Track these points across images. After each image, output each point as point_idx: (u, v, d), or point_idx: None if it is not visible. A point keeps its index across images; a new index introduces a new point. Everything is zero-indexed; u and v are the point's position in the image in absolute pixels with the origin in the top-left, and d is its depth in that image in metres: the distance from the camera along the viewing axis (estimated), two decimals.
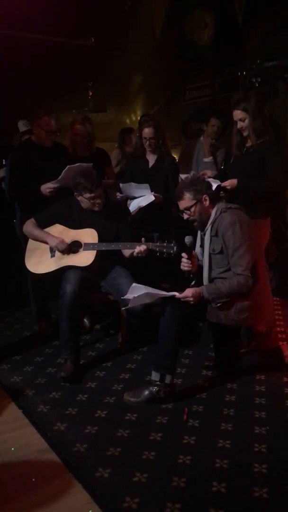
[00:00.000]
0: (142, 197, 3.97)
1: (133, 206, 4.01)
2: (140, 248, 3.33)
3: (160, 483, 2.26)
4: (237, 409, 2.91)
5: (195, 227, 3.18)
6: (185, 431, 2.68)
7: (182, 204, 3.11)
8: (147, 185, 3.92)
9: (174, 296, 2.98)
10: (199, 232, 3.29)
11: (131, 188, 4.00)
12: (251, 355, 3.45)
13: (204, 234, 3.14)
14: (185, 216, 3.14)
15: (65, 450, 2.51)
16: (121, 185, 4.04)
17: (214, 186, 3.41)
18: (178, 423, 2.76)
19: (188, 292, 2.95)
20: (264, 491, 2.20)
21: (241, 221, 3.02)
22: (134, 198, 4.03)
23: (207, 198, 3.08)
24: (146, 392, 2.95)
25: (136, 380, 3.25)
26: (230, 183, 3.48)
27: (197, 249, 3.31)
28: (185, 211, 3.11)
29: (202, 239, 3.19)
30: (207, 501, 2.16)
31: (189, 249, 3.13)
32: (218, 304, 2.99)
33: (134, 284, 3.13)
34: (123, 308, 3.19)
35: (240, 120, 3.48)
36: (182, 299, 2.95)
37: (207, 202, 3.09)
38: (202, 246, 3.19)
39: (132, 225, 4.11)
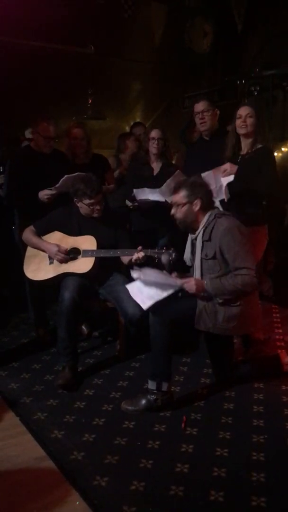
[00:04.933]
0: (154, 196, 3.92)
1: (141, 193, 3.96)
2: (138, 255, 3.33)
3: (157, 491, 2.25)
4: (235, 418, 2.90)
5: (176, 224, 3.16)
6: (183, 439, 2.67)
7: (175, 198, 3.09)
8: (160, 192, 3.85)
9: (177, 294, 2.97)
10: (189, 239, 3.29)
11: (145, 193, 3.95)
12: (249, 363, 3.45)
13: (195, 239, 3.13)
14: (172, 211, 3.11)
15: (62, 458, 2.50)
16: (134, 190, 3.98)
17: (228, 180, 3.43)
18: (176, 431, 2.75)
19: (192, 280, 2.95)
20: (262, 500, 2.18)
21: (239, 225, 3.03)
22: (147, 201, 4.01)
23: (199, 203, 3.03)
24: (144, 401, 2.94)
25: (134, 388, 3.24)
26: (229, 166, 3.47)
27: (187, 255, 3.31)
28: (174, 205, 3.10)
29: (193, 246, 3.18)
30: (204, 510, 2.15)
31: (168, 268, 3.15)
32: (220, 301, 2.95)
33: (145, 269, 3.08)
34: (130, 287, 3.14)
35: (248, 115, 3.44)
36: (184, 285, 2.93)
37: (197, 207, 3.03)
38: (193, 252, 3.19)
39: (139, 232, 4.10)
